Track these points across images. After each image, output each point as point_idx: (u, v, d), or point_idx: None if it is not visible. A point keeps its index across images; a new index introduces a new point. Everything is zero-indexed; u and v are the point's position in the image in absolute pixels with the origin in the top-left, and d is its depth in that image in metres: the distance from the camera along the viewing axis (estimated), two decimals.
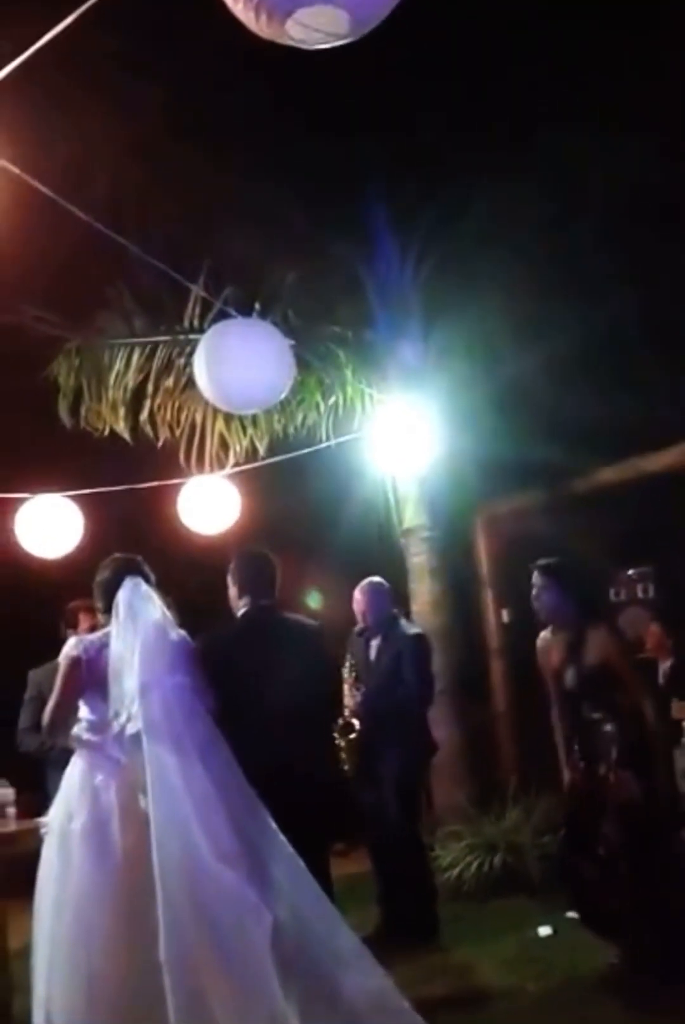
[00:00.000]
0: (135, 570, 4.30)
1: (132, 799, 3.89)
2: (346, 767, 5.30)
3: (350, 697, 5.67)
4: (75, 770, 4.10)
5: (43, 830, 4.16)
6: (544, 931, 5.57)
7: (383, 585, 6.01)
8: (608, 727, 4.72)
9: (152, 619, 4.13)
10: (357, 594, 6.00)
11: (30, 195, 3.94)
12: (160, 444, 7.06)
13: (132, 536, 5.84)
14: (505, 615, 8.32)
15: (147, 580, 4.31)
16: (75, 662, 4.16)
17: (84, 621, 5.80)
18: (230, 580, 4.79)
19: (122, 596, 4.16)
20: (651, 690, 4.90)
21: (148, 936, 3.59)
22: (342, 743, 5.21)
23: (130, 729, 3.93)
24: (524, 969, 5.03)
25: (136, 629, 4.08)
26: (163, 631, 4.13)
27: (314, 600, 8.55)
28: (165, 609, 4.22)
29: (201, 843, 3.76)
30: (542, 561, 5.01)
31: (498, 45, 6.49)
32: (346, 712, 5.62)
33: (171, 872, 3.66)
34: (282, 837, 3.89)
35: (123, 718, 3.96)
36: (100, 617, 4.42)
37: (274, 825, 3.91)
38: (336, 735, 5.33)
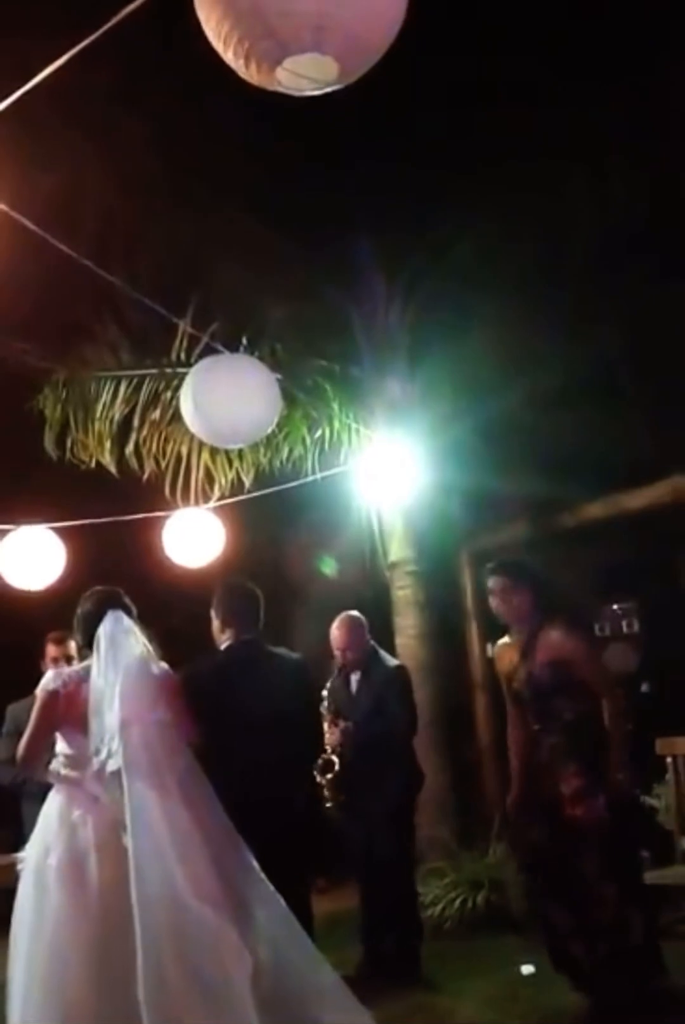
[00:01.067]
0: (117, 603, 4.29)
1: (110, 835, 3.86)
2: (329, 804, 5.27)
3: (329, 734, 5.64)
4: (53, 805, 4.07)
5: (19, 866, 4.12)
6: (527, 969, 5.53)
7: (361, 619, 6.00)
8: (555, 739, 4.53)
9: (134, 653, 4.11)
10: (334, 630, 5.99)
11: (17, 227, 3.95)
12: (145, 477, 7.05)
13: (116, 568, 5.81)
14: (490, 649, 8.29)
15: (129, 613, 4.29)
16: (52, 696, 4.14)
17: (50, 651, 5.79)
18: (214, 613, 4.79)
19: (104, 630, 4.15)
20: (611, 688, 4.56)
21: (125, 974, 3.56)
22: (323, 781, 5.18)
23: (110, 765, 3.91)
24: (508, 1008, 4.99)
25: (117, 663, 4.06)
26: (145, 665, 4.12)
27: (328, 566, 8.36)
28: (147, 643, 4.20)
29: (181, 881, 3.75)
30: (496, 560, 4.91)
31: (483, 84, 6.56)
32: (326, 749, 5.59)
33: (150, 910, 3.64)
34: (263, 875, 3.88)
35: (103, 754, 3.94)
36: (75, 650, 4.41)
37: (255, 863, 3.89)
38: (316, 773, 5.30)
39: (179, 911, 3.70)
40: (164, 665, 4.32)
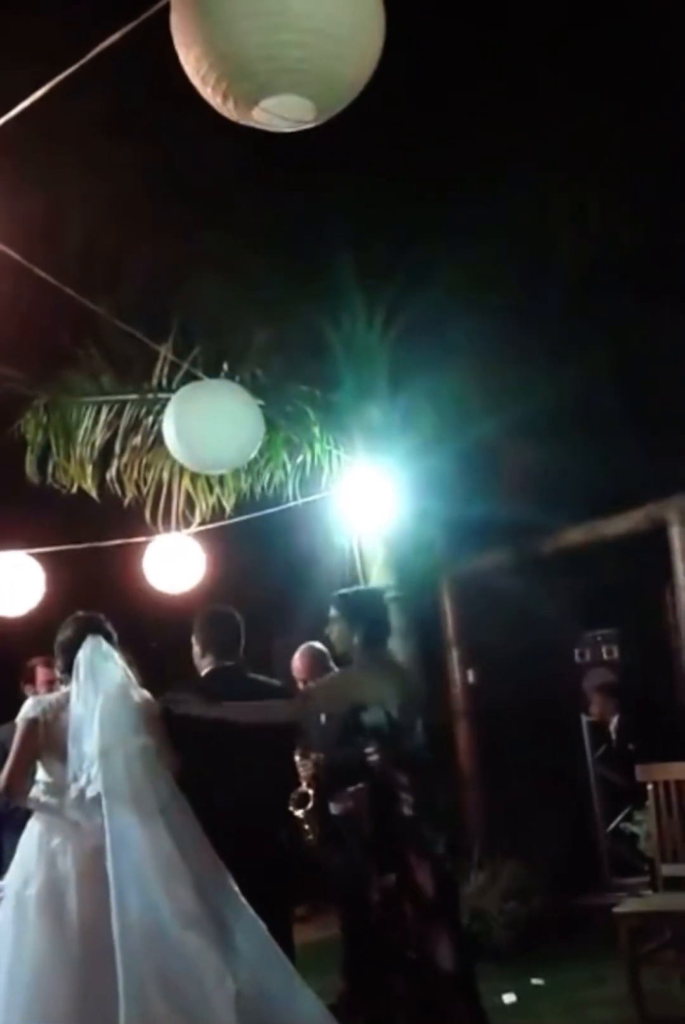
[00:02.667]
0: (96, 629, 4.27)
1: (91, 863, 3.83)
2: (309, 836, 5.24)
3: (301, 767, 5.61)
4: (32, 834, 4.04)
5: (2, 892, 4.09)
6: (509, 999, 5.51)
7: (321, 649, 6.02)
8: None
9: (113, 679, 4.09)
10: (295, 660, 6.03)
11: None
12: (126, 502, 7.03)
13: (97, 594, 5.79)
14: (471, 676, 8.31)
15: (109, 638, 4.27)
16: (32, 724, 4.12)
17: (41, 675, 5.75)
18: (194, 639, 4.77)
19: (82, 656, 4.13)
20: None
21: (106, 1001, 3.53)
22: (300, 813, 5.16)
23: (90, 792, 3.88)
24: None
25: (97, 689, 4.04)
26: (125, 691, 4.10)
27: None
28: (127, 668, 4.18)
29: (163, 907, 3.73)
30: (338, 592, 4.77)
31: (466, 106, 6.61)
32: (302, 782, 5.57)
33: (131, 935, 3.63)
34: (244, 901, 3.86)
35: (83, 780, 3.91)
36: (59, 677, 4.38)
37: (236, 889, 3.87)
38: (291, 806, 5.27)
39: (160, 936, 3.69)
40: (145, 692, 4.30)
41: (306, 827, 5.29)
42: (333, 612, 4.56)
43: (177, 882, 3.80)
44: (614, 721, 7.79)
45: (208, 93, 2.30)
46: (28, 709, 4.19)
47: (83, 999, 3.67)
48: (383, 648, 4.53)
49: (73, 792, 3.95)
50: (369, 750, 4.15)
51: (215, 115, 2.45)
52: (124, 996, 3.52)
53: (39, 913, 3.83)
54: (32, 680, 5.82)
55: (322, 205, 6.81)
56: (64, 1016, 3.66)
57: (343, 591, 4.71)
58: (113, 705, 4.03)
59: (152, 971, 3.62)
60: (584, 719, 8.33)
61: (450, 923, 4.04)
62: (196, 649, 4.75)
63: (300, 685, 5.98)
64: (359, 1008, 4.07)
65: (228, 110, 2.31)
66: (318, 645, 6.04)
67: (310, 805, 5.49)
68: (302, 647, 6.12)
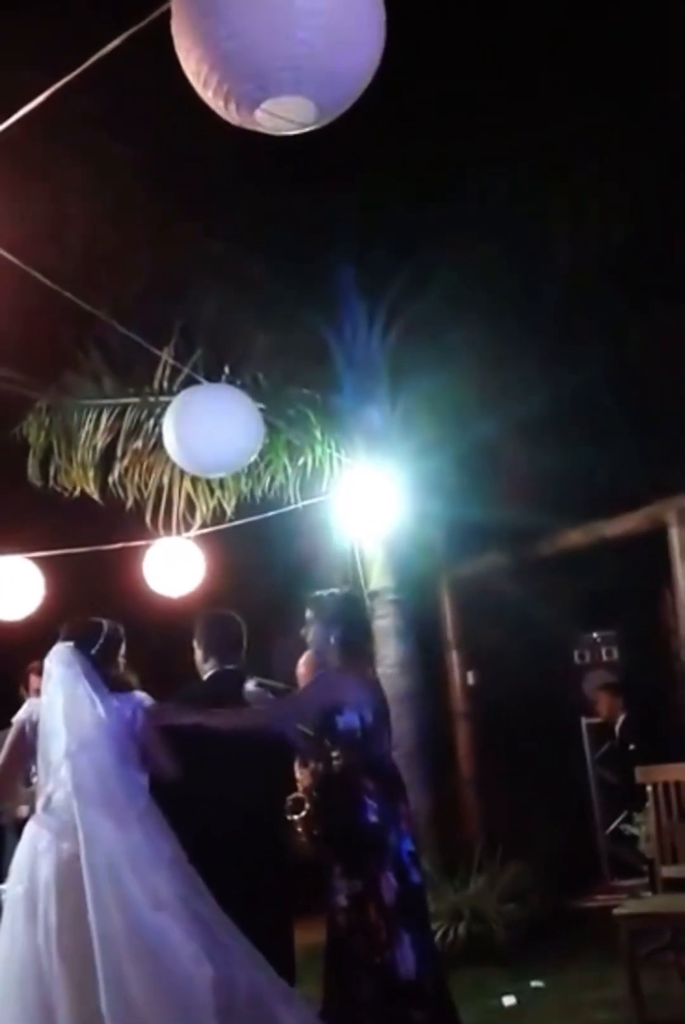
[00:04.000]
0: (68, 635, 4.30)
1: (68, 864, 3.87)
2: (303, 841, 5.23)
3: (299, 773, 5.60)
4: (26, 835, 4.09)
5: (2, 896, 4.12)
6: (509, 1001, 5.52)
7: None
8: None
9: (77, 684, 4.12)
10: (301, 667, 6.02)
11: None
12: (128, 506, 7.03)
13: (98, 598, 5.80)
14: (471, 677, 8.32)
15: (86, 644, 4.27)
16: (20, 727, 4.22)
17: (35, 681, 5.77)
18: (196, 642, 4.77)
19: (48, 663, 4.19)
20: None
21: (88, 996, 3.57)
22: (295, 819, 5.15)
23: (59, 793, 3.94)
24: None
25: (62, 695, 4.09)
26: (91, 696, 4.11)
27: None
28: (92, 673, 4.18)
29: (137, 895, 3.79)
30: (314, 593, 4.67)
31: (464, 109, 6.63)
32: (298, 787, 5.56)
33: (109, 925, 3.68)
34: (216, 903, 3.88)
35: (51, 784, 3.97)
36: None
37: (207, 891, 3.89)
38: (287, 813, 5.27)
39: (136, 923, 3.74)
40: (139, 695, 4.32)
41: (301, 832, 5.28)
42: (308, 614, 4.51)
43: (150, 872, 3.84)
44: (619, 720, 7.80)
45: (209, 97, 2.30)
46: (20, 713, 4.28)
47: (64, 987, 3.70)
48: (359, 652, 4.43)
49: (44, 796, 4.03)
50: (335, 755, 4.14)
51: (216, 119, 2.46)
52: (103, 981, 3.57)
53: (26, 915, 3.88)
54: (27, 684, 5.85)
55: (322, 210, 6.83)
56: (45, 1001, 3.69)
57: (318, 593, 4.61)
58: (78, 709, 4.06)
59: (129, 956, 3.67)
60: (584, 721, 8.35)
61: (413, 931, 4.03)
62: (198, 653, 4.75)
63: None
64: (332, 1015, 4.07)
65: (230, 114, 2.32)
66: None
67: (304, 812, 5.48)
68: (307, 653, 6.08)
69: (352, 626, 4.44)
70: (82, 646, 4.24)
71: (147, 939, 3.73)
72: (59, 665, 4.17)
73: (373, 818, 4.05)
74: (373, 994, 3.92)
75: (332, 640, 4.37)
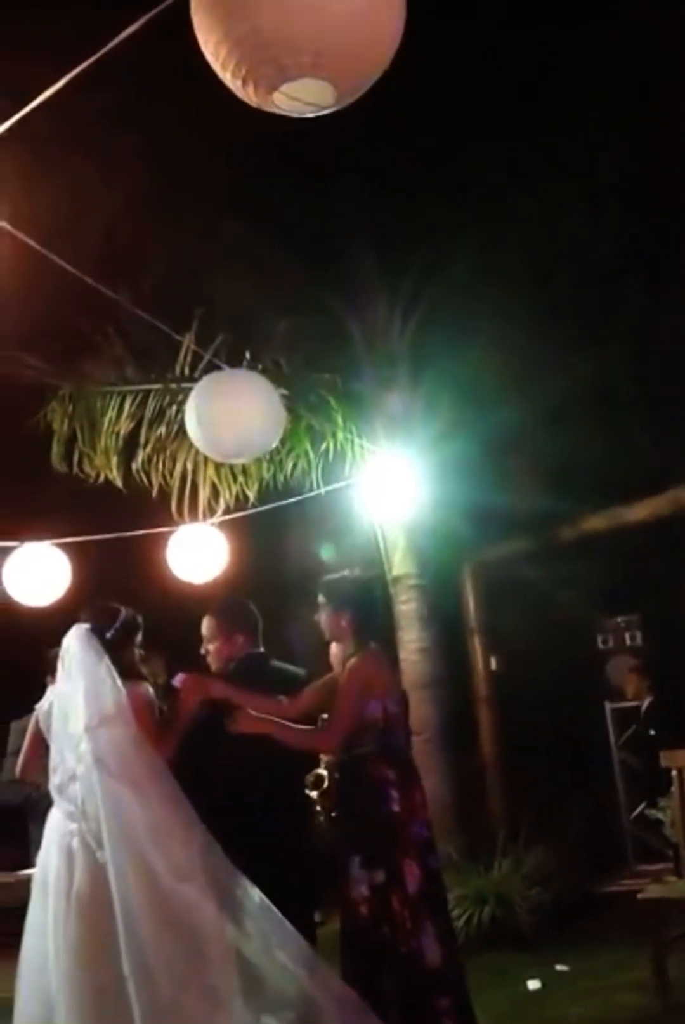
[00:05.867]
0: (87, 618, 4.34)
1: (82, 845, 3.91)
2: (321, 817, 5.28)
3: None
4: (49, 819, 4.14)
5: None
6: (534, 985, 5.52)
7: None
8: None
9: (97, 666, 4.16)
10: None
11: (22, 245, 3.98)
12: (154, 493, 7.06)
13: (122, 585, 5.83)
14: (494, 663, 8.32)
15: (104, 628, 4.31)
16: (38, 711, 4.36)
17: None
18: (217, 628, 4.77)
19: (66, 644, 4.24)
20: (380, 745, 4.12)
21: (109, 967, 3.61)
22: (314, 795, 5.20)
23: (79, 769, 3.98)
24: (515, 1023, 4.98)
25: (77, 676, 4.16)
26: (109, 677, 4.15)
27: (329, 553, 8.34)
28: (105, 657, 4.21)
29: (158, 863, 3.84)
30: (325, 577, 4.61)
31: (483, 97, 6.60)
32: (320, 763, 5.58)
33: (130, 893, 3.74)
34: (238, 870, 3.90)
35: (71, 762, 4.03)
36: None
37: (229, 861, 3.92)
38: (307, 788, 5.30)
39: (156, 889, 3.79)
40: (145, 686, 4.35)
41: (319, 809, 5.31)
42: (320, 598, 4.46)
43: (170, 840, 3.90)
44: (646, 703, 7.78)
45: (228, 79, 2.30)
46: (44, 699, 4.38)
47: (89, 952, 3.76)
48: (374, 636, 4.38)
49: (60, 774, 4.09)
50: (358, 744, 4.11)
51: (236, 106, 2.46)
52: (125, 944, 3.62)
53: (46, 895, 3.95)
54: (51, 671, 5.88)
55: (343, 195, 6.82)
56: (65, 985, 3.74)
57: (329, 576, 4.56)
58: (96, 688, 4.11)
59: (151, 920, 3.72)
60: (608, 706, 8.33)
61: (436, 918, 4.04)
62: (219, 639, 4.75)
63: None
64: None
65: (248, 96, 2.31)
66: None
67: (324, 787, 5.50)
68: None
69: (364, 610, 4.38)
70: (98, 629, 4.28)
71: (170, 909, 3.78)
72: (77, 644, 4.22)
73: (395, 808, 4.05)
74: (397, 985, 3.92)
75: (344, 624, 4.34)
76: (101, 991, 3.68)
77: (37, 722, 4.36)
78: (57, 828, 4.05)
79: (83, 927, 3.78)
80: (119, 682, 4.15)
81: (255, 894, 3.88)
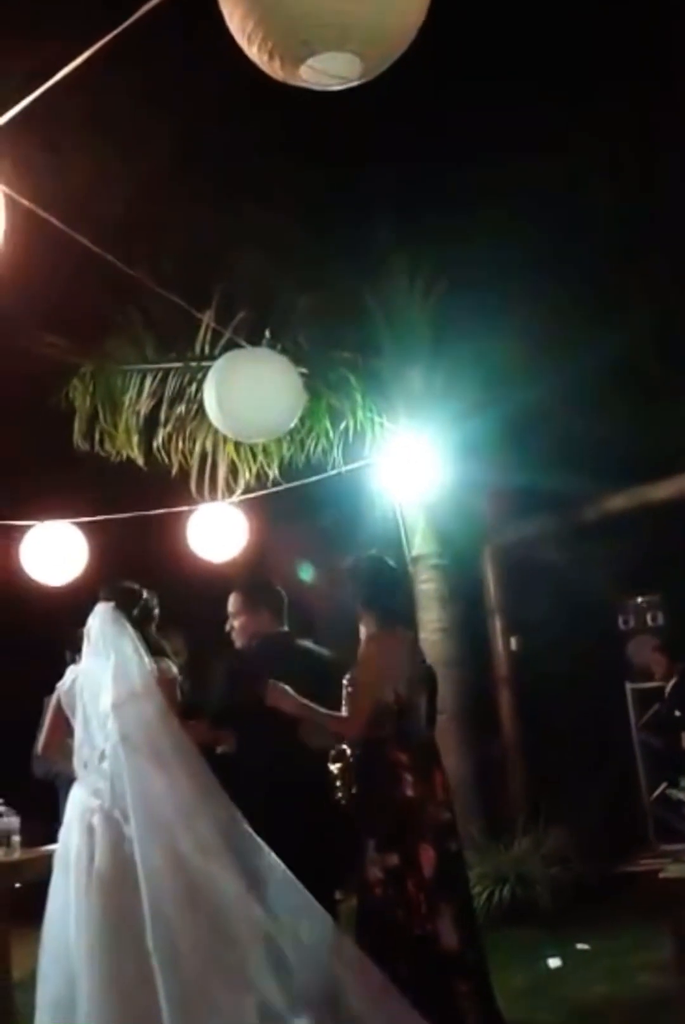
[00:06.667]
0: (110, 596, 4.36)
1: (105, 820, 3.93)
2: (339, 794, 5.27)
3: None
4: (72, 795, 4.17)
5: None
6: (554, 962, 5.53)
7: None
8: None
9: (121, 643, 4.18)
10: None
11: (42, 221, 3.97)
12: (173, 472, 7.06)
13: (142, 563, 5.84)
14: (514, 643, 8.30)
15: (127, 605, 4.34)
16: (59, 690, 4.37)
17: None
18: (243, 603, 4.78)
19: (91, 622, 4.26)
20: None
21: (133, 943, 3.63)
22: (335, 769, 5.19)
23: (105, 745, 4.01)
24: (535, 1001, 4.99)
25: (107, 653, 4.18)
26: (136, 654, 4.17)
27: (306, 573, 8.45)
28: (134, 634, 4.24)
29: (184, 840, 3.87)
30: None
31: (502, 70, 6.53)
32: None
33: (155, 870, 3.77)
34: (265, 845, 3.91)
35: (98, 738, 4.07)
36: None
37: (257, 837, 3.93)
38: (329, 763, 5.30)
39: (182, 866, 3.81)
40: (165, 662, 4.37)
41: (339, 785, 5.31)
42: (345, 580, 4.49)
43: (196, 817, 3.92)
44: (671, 683, 7.74)
45: (254, 53, 2.28)
46: (64, 677, 4.40)
47: (114, 933, 3.78)
48: (391, 617, 4.34)
49: (86, 751, 4.12)
50: (373, 729, 4.11)
51: (256, 84, 2.44)
52: (150, 921, 3.65)
53: (69, 871, 3.97)
54: (77, 649, 5.90)
55: (362, 172, 6.77)
56: (87, 963, 3.76)
57: (350, 558, 4.57)
58: (125, 664, 4.15)
59: (176, 897, 3.75)
60: (628, 686, 8.30)
61: (453, 901, 4.03)
62: (244, 614, 4.76)
63: None
64: None
65: (274, 69, 2.29)
66: None
67: (345, 764, 5.49)
68: None
69: (380, 590, 4.35)
70: (124, 607, 4.30)
71: (196, 888, 3.79)
72: (104, 622, 4.24)
73: (408, 792, 4.04)
74: (412, 967, 3.91)
75: (361, 606, 4.33)
76: (123, 970, 3.70)
77: (59, 700, 4.38)
78: (79, 804, 4.08)
79: (104, 903, 3.81)
80: (147, 658, 4.18)
81: (280, 869, 3.90)
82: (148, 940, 3.63)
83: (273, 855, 3.91)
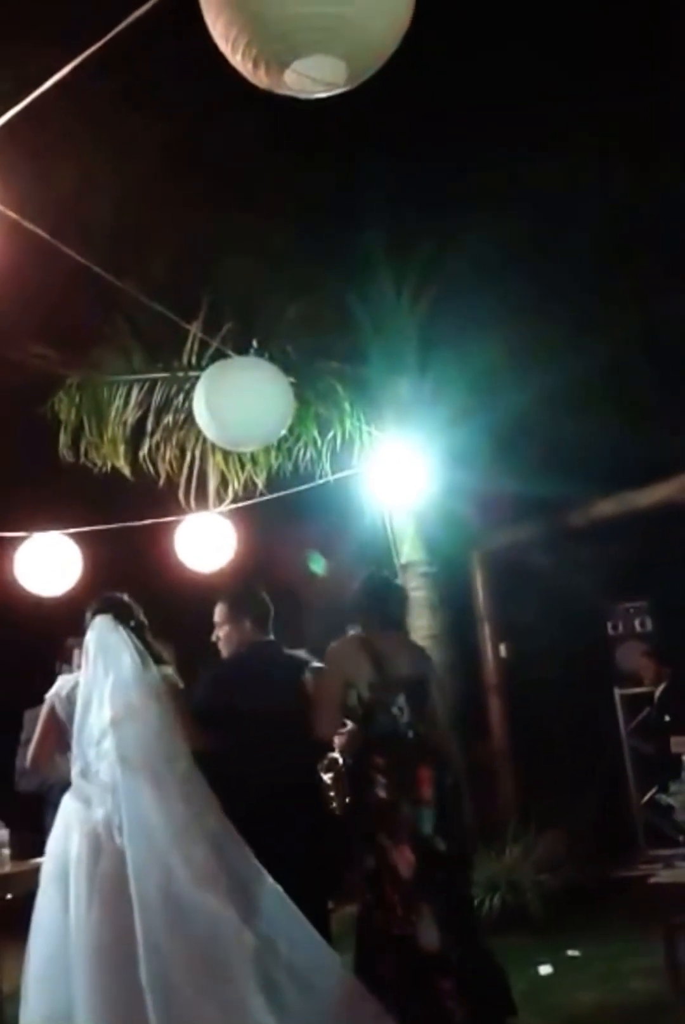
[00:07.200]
0: (107, 608, 4.34)
1: (103, 833, 3.91)
2: (333, 804, 5.26)
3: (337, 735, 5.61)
4: (63, 807, 4.14)
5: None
6: (545, 970, 5.52)
7: None
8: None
9: (122, 655, 4.16)
10: None
11: (29, 233, 3.97)
12: (160, 482, 7.05)
13: (132, 573, 5.83)
14: (503, 650, 8.30)
15: (125, 617, 4.33)
16: (50, 704, 4.35)
17: (77, 656, 5.79)
18: (227, 613, 4.77)
19: (91, 635, 4.23)
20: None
21: (127, 959, 3.60)
22: (327, 779, 5.18)
23: (99, 764, 3.98)
24: (525, 1008, 4.96)
25: (106, 666, 4.15)
26: (136, 667, 4.15)
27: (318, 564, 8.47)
28: (137, 645, 4.23)
29: (178, 867, 3.81)
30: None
31: (492, 76, 6.55)
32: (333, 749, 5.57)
33: (148, 895, 3.72)
34: (262, 868, 3.90)
35: (91, 754, 4.02)
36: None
37: (253, 857, 3.91)
38: (320, 771, 5.29)
39: (176, 894, 3.77)
40: (167, 671, 4.36)
41: (332, 795, 5.30)
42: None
43: (191, 843, 3.87)
44: (660, 689, 7.76)
45: (238, 60, 2.27)
46: (53, 688, 4.37)
47: (102, 957, 3.74)
48: (378, 622, 4.45)
49: (79, 765, 4.07)
50: (342, 731, 4.18)
51: (243, 91, 2.43)
52: (143, 952, 3.60)
53: (57, 885, 3.94)
54: (66, 659, 5.88)
55: (349, 179, 6.79)
56: (84, 974, 3.73)
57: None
58: (124, 679, 4.11)
59: (169, 926, 3.70)
60: (617, 692, 8.31)
61: (434, 902, 4.00)
62: (230, 625, 4.75)
63: None
64: None
65: (259, 77, 2.28)
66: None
67: (337, 773, 5.49)
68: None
69: (366, 598, 4.51)
70: (122, 619, 4.29)
71: (188, 913, 3.75)
72: (103, 635, 4.22)
73: (381, 793, 4.04)
74: (395, 968, 3.92)
75: (354, 613, 4.47)
76: (119, 987, 3.64)
77: (53, 709, 4.34)
78: (75, 812, 4.03)
79: (106, 912, 3.76)
80: (153, 668, 4.18)
81: (275, 892, 3.87)
82: (141, 973, 3.58)
83: (270, 879, 3.89)
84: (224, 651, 4.76)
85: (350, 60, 2.28)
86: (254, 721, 4.23)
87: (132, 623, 4.34)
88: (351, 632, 4.59)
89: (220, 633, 4.76)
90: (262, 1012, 3.63)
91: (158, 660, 4.35)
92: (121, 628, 4.26)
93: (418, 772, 4.14)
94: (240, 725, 4.18)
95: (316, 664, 4.67)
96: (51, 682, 4.58)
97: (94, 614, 4.35)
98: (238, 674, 4.61)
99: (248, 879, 3.89)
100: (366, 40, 2.28)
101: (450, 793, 4.24)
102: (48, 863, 4.07)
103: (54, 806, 4.50)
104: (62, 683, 4.38)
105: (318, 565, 8.33)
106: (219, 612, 4.79)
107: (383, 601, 4.58)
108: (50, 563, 5.76)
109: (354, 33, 2.23)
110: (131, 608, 4.44)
